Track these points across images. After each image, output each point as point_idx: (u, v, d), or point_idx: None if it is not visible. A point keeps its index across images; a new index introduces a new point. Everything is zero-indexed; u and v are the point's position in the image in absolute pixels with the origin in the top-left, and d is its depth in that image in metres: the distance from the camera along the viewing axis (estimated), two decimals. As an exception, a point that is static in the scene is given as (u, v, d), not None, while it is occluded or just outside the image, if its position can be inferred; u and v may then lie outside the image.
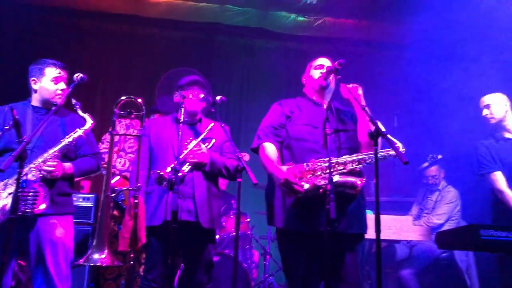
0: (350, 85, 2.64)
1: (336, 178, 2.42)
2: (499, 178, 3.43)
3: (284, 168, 2.49)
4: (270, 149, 2.68)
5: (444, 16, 5.09)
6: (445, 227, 4.48)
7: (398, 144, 2.49)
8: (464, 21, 4.96)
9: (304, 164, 2.50)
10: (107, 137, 3.78)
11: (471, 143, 3.71)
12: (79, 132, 2.83)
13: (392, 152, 2.48)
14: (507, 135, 3.53)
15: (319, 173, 2.46)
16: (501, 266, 3.30)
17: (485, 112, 3.57)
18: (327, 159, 2.42)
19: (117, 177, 3.93)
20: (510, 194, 3.35)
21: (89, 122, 2.89)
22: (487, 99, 3.59)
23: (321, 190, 2.38)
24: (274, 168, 2.52)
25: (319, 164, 2.48)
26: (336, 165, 2.49)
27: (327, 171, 2.39)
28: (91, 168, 2.99)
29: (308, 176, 2.47)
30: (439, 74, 5.31)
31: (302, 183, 2.42)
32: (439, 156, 4.91)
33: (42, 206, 2.67)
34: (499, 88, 4.04)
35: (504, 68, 4.63)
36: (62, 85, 2.90)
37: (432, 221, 4.52)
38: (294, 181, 2.39)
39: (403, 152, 2.44)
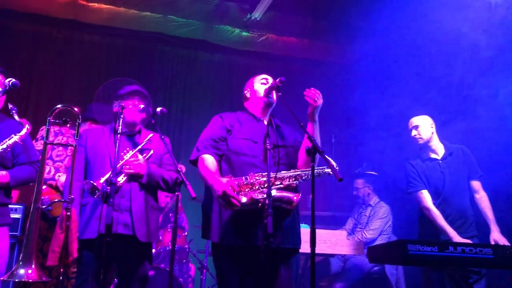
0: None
1: (273, 192, 2.45)
2: (425, 196, 3.63)
3: (224, 180, 2.48)
4: (209, 161, 2.65)
5: (382, 37, 5.34)
6: (378, 242, 4.66)
7: (333, 163, 2.58)
8: (401, 43, 5.23)
9: (243, 177, 2.51)
10: (43, 135, 3.60)
11: (401, 161, 3.91)
12: (15, 138, 2.70)
13: (328, 170, 2.57)
14: (432, 155, 3.75)
15: (257, 187, 2.49)
16: (426, 279, 3.48)
17: (413, 133, 3.77)
18: (266, 173, 2.45)
19: (44, 186, 3.74)
20: (435, 211, 3.55)
21: (25, 129, 2.76)
22: (415, 120, 3.79)
23: (259, 204, 2.40)
24: (214, 180, 2.48)
25: (257, 178, 2.50)
26: (274, 180, 2.53)
27: (265, 185, 2.42)
28: (30, 177, 2.85)
29: (246, 190, 2.48)
30: (375, 92, 5.56)
31: (241, 196, 2.43)
32: (374, 172, 5.14)
33: None
34: (427, 107, 4.31)
35: (433, 88, 4.92)
36: None
37: (366, 236, 4.70)
38: (232, 195, 2.37)
39: (338, 169, 2.52)
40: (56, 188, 3.46)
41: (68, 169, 3.52)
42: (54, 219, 3.35)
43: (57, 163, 3.57)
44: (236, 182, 2.49)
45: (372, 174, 5.23)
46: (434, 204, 3.60)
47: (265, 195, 2.35)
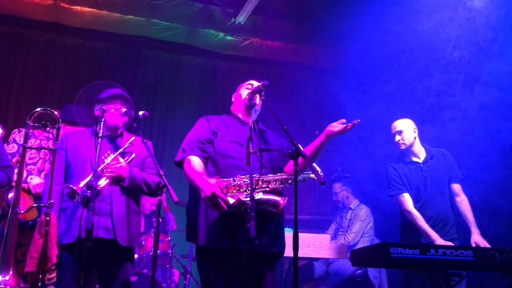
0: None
1: (259, 195, 2.44)
2: (406, 200, 3.66)
3: (212, 181, 2.45)
4: (196, 162, 2.63)
5: (366, 41, 5.40)
6: (360, 244, 4.69)
7: (316, 167, 2.59)
8: (386, 45, 5.30)
9: (231, 179, 2.50)
10: (15, 138, 3.53)
11: (384, 165, 3.94)
12: None
13: (312, 175, 2.58)
14: (414, 159, 3.79)
15: (244, 189, 2.48)
16: (407, 281, 3.50)
17: (397, 138, 3.79)
18: (254, 175, 2.45)
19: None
20: (416, 214, 3.58)
21: None
22: (399, 125, 3.81)
23: (243, 207, 2.39)
24: (202, 181, 2.45)
25: (244, 180, 2.49)
26: (260, 183, 2.52)
27: (253, 187, 2.41)
28: (2, 182, 2.78)
29: (234, 192, 2.47)
30: (361, 96, 5.60)
31: (228, 198, 2.41)
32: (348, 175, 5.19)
33: None
34: (412, 108, 4.36)
35: (419, 90, 4.99)
36: None
37: (348, 239, 4.72)
38: (221, 196, 2.35)
39: (321, 174, 2.53)
40: (28, 191, 3.39)
41: (41, 171, 3.46)
42: (26, 223, 3.28)
43: (30, 166, 3.50)
44: (225, 184, 2.47)
45: (348, 177, 5.27)
46: (416, 207, 3.63)
47: (251, 191, 2.34)
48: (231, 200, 2.40)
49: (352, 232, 4.77)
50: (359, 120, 2.67)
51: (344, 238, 4.75)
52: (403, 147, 3.77)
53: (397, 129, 3.79)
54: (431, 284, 2.92)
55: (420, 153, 3.79)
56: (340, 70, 6.20)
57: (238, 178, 2.50)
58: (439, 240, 3.43)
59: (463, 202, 3.66)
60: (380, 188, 4.07)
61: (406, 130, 3.77)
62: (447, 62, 4.79)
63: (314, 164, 2.59)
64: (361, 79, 5.65)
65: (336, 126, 2.71)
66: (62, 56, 6.15)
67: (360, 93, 5.59)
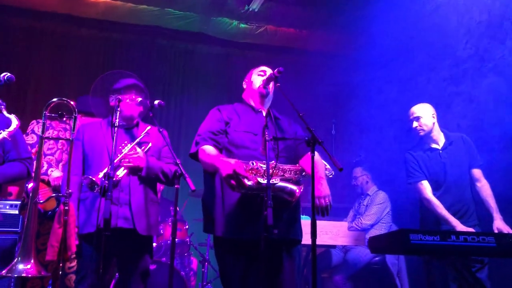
0: None
1: (277, 181, 2.43)
2: (425, 187, 3.60)
3: (232, 160, 2.43)
4: (211, 149, 2.62)
5: (381, 26, 5.32)
6: (376, 231, 4.64)
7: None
8: (401, 30, 5.21)
9: (250, 162, 2.48)
10: (33, 129, 3.56)
11: (403, 151, 3.88)
12: (3, 134, 2.67)
13: (328, 167, 2.56)
14: (433, 145, 3.71)
15: (262, 173, 2.46)
16: (428, 269, 3.47)
17: (414, 124, 3.70)
18: (271, 162, 2.43)
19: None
20: (435, 202, 3.52)
21: (15, 123, 2.72)
22: (416, 110, 3.72)
23: (259, 196, 2.37)
24: (221, 161, 2.44)
25: (261, 165, 2.47)
26: (277, 171, 2.50)
27: (270, 174, 2.39)
28: (20, 174, 2.81)
29: (252, 175, 2.46)
30: (376, 82, 5.53)
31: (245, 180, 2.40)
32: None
33: None
34: (428, 93, 4.28)
35: (434, 76, 4.90)
36: None
37: (362, 222, 4.66)
38: (242, 173, 2.33)
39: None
40: (47, 183, 3.43)
41: (59, 162, 3.50)
42: (46, 214, 3.33)
43: (48, 157, 3.55)
44: (244, 165, 2.45)
45: (369, 162, 5.22)
46: (436, 194, 3.57)
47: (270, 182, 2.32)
48: (249, 182, 2.38)
49: (367, 216, 4.71)
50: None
51: (358, 222, 4.69)
52: (421, 133, 3.69)
53: (415, 115, 3.71)
54: (451, 271, 2.87)
55: (439, 139, 3.71)
56: (354, 55, 6.11)
57: (255, 163, 2.48)
58: (459, 227, 3.38)
59: (484, 188, 3.58)
60: (400, 175, 4.01)
61: (424, 115, 3.68)
62: (462, 48, 4.68)
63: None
64: (376, 64, 5.57)
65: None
66: (77, 48, 6.20)
67: (375, 78, 5.52)
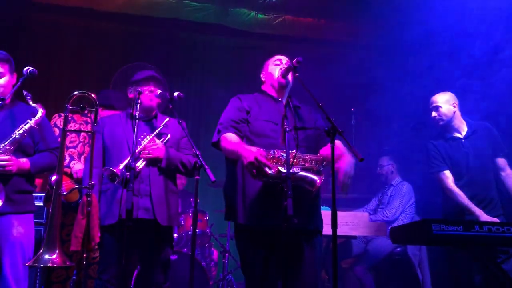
0: None
1: (297, 170, 2.42)
2: (448, 177, 3.54)
3: (254, 148, 2.45)
4: (233, 136, 2.64)
5: (401, 15, 5.23)
6: (399, 221, 4.60)
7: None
8: (420, 21, 5.11)
9: (271, 151, 2.48)
10: (56, 123, 3.62)
11: (423, 141, 3.82)
12: (30, 123, 2.74)
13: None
14: (456, 134, 3.64)
15: (283, 162, 2.46)
16: (451, 260, 3.42)
17: (433, 114, 3.64)
18: (291, 151, 2.43)
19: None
20: (458, 192, 3.46)
21: (40, 112, 2.79)
22: (436, 100, 3.65)
23: (279, 186, 2.36)
24: (243, 149, 2.47)
25: (282, 154, 2.46)
26: (298, 160, 2.50)
27: (290, 163, 2.39)
28: (50, 163, 2.88)
29: (273, 164, 2.46)
30: (395, 72, 5.45)
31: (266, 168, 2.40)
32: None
33: None
34: (448, 84, 4.19)
35: (455, 66, 4.80)
36: None
37: (387, 215, 4.63)
38: (263, 161, 2.35)
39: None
40: (70, 176, 3.49)
41: (80, 155, 3.55)
42: (69, 205, 3.39)
43: (70, 150, 3.60)
44: (265, 154, 2.46)
45: (393, 151, 5.15)
46: (458, 184, 3.51)
47: (289, 172, 2.32)
48: (270, 171, 2.39)
49: (392, 208, 4.67)
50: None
51: (383, 213, 4.67)
52: (441, 123, 3.63)
53: (434, 104, 3.64)
54: (475, 262, 2.84)
55: (462, 128, 3.64)
56: (374, 45, 6.03)
57: (276, 152, 2.48)
58: (483, 217, 3.32)
59: (509, 177, 3.50)
60: (422, 165, 3.96)
61: (443, 105, 3.61)
62: (480, 40, 4.57)
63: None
64: (395, 54, 5.49)
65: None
66: (98, 41, 6.27)
67: (395, 68, 5.43)
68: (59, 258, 2.41)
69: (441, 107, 3.61)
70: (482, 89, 4.43)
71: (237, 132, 2.69)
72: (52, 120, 3.73)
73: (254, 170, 2.36)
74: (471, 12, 4.65)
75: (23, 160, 2.76)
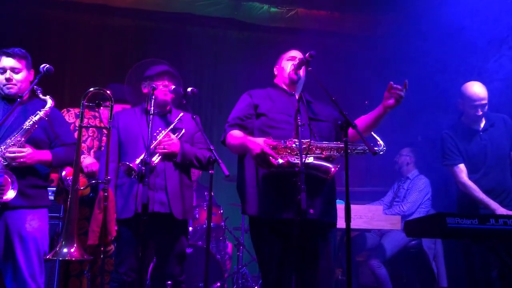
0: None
1: (310, 159, 2.42)
2: (462, 170, 3.49)
3: (260, 140, 2.46)
4: (237, 132, 2.67)
5: (416, 8, 5.16)
6: (415, 216, 4.57)
7: (379, 141, 2.57)
8: (435, 14, 5.04)
9: (282, 141, 2.49)
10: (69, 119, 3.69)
11: (438, 134, 3.78)
12: (40, 114, 2.77)
13: (376, 148, 2.53)
14: (474, 126, 3.56)
15: (295, 152, 2.46)
16: (466, 253, 3.39)
17: (479, 112, 3.46)
18: (305, 141, 2.43)
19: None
20: (471, 185, 3.41)
21: (49, 103, 2.82)
22: (485, 96, 3.45)
23: (296, 168, 2.35)
24: (249, 141, 2.49)
25: (296, 144, 2.46)
26: (314, 148, 2.49)
27: (304, 153, 2.39)
28: (71, 158, 2.90)
29: (284, 153, 2.46)
30: (410, 65, 5.40)
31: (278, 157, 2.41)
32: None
33: (11, 194, 2.62)
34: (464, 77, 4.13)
35: (469, 58, 4.74)
36: (7, 74, 2.81)
37: (404, 209, 4.60)
38: (269, 152, 2.37)
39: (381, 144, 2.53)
40: (81, 170, 3.55)
41: (90, 149, 3.60)
42: (82, 199, 3.45)
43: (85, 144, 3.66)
44: (275, 144, 2.47)
45: (415, 145, 5.11)
46: (475, 177, 3.46)
47: (302, 161, 2.32)
48: (280, 161, 2.39)
49: (408, 202, 4.64)
50: (406, 81, 2.56)
51: (399, 208, 4.64)
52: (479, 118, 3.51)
53: (483, 102, 3.44)
54: (491, 255, 2.81)
55: (480, 120, 3.57)
56: (388, 38, 5.96)
57: (289, 141, 2.48)
58: (499, 210, 3.28)
59: None
60: (436, 158, 3.91)
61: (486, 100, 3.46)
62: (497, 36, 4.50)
63: (374, 134, 2.58)
64: (409, 47, 5.42)
65: (389, 97, 2.60)
66: (111, 37, 6.32)
67: (409, 61, 5.37)
68: (77, 252, 2.47)
69: (487, 104, 3.48)
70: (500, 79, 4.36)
71: (243, 128, 2.71)
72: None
73: (262, 162, 2.38)
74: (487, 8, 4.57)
75: (44, 151, 2.80)
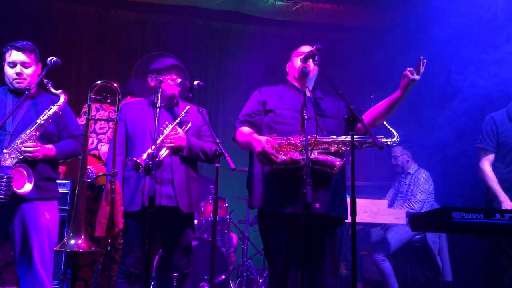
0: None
1: (315, 154, 2.43)
2: (488, 157, 3.50)
3: (263, 138, 2.50)
4: (245, 129, 2.73)
5: (420, 2, 5.14)
6: (422, 210, 4.57)
7: (394, 132, 2.58)
8: (440, 5, 5.02)
9: (285, 137, 2.52)
10: (85, 111, 3.72)
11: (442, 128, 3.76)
12: (54, 108, 2.80)
13: (385, 140, 2.54)
14: None
15: (300, 148, 2.47)
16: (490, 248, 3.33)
17: None
18: (311, 136, 2.44)
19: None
20: (488, 174, 3.43)
21: (62, 97, 2.85)
22: None
23: (299, 164, 2.38)
24: (252, 139, 2.56)
25: (301, 140, 2.48)
26: (320, 144, 2.50)
27: (310, 148, 2.40)
28: (75, 150, 2.95)
29: (288, 150, 2.48)
30: (415, 58, 5.37)
31: (280, 155, 2.44)
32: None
33: (27, 187, 2.64)
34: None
35: (476, 50, 4.71)
36: (18, 69, 2.83)
37: (414, 207, 4.57)
38: (270, 151, 2.41)
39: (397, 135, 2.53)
40: (98, 158, 3.59)
41: (111, 141, 3.63)
42: (100, 188, 3.49)
43: (100, 135, 3.71)
44: (278, 141, 2.50)
45: (405, 141, 5.10)
46: (501, 167, 3.45)
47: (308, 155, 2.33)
48: (283, 157, 2.42)
49: (418, 200, 4.62)
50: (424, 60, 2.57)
51: (409, 205, 4.62)
52: None
53: None
54: (497, 250, 2.81)
55: None
56: (393, 31, 5.93)
57: (294, 137, 2.50)
58: (507, 203, 3.27)
59: None
60: (444, 154, 3.91)
61: None
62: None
63: (387, 125, 2.60)
64: (416, 40, 5.40)
65: (407, 75, 2.61)
66: (117, 31, 6.33)
67: (416, 54, 5.34)
68: (84, 243, 2.49)
69: None
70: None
71: (251, 125, 2.76)
72: (83, 109, 3.83)
73: (264, 159, 2.43)
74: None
75: (49, 146, 2.83)
